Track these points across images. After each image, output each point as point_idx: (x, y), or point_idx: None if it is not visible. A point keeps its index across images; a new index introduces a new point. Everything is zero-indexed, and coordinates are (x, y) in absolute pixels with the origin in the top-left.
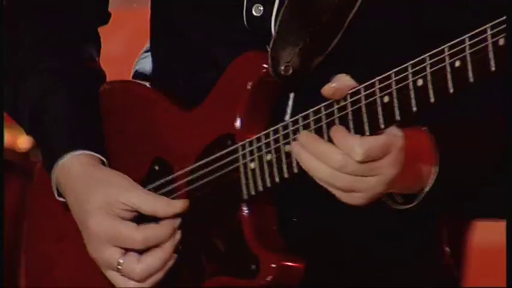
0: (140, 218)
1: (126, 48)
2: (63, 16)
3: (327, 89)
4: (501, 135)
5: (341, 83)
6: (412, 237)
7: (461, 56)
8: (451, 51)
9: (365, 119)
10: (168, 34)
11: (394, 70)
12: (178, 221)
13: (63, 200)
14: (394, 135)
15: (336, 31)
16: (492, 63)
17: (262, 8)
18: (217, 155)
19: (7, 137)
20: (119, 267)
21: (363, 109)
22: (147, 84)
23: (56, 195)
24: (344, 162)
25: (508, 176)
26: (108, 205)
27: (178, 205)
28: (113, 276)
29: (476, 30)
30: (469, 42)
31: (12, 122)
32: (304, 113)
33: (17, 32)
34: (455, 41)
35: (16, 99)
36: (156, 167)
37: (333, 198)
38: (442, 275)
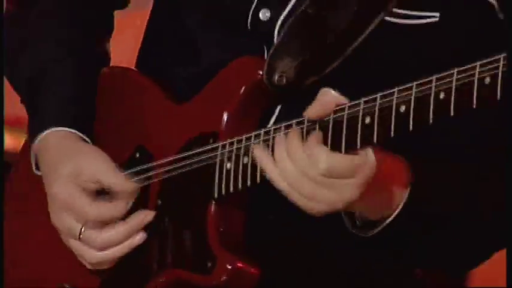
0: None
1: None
2: (81, 10)
3: (310, 112)
4: (479, 185)
5: (325, 102)
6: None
7: (446, 87)
8: (438, 82)
9: (343, 137)
10: (167, 34)
11: (379, 94)
12: (131, 202)
13: (39, 173)
14: (365, 160)
15: (338, 55)
16: (474, 100)
17: (269, 14)
18: (197, 150)
19: (9, 140)
20: (80, 235)
21: (344, 126)
22: (140, 72)
23: (34, 168)
24: (309, 163)
25: (508, 178)
26: (75, 175)
27: (133, 185)
28: (73, 244)
29: (466, 66)
30: (457, 77)
31: (15, 125)
32: (287, 123)
33: (28, 3)
34: (444, 73)
35: (17, 64)
36: (137, 155)
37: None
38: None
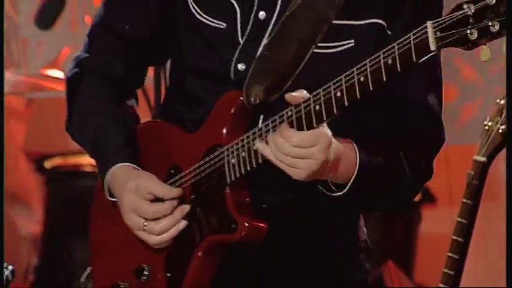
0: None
1: None
2: (117, 79)
3: (288, 96)
4: (398, 155)
5: (298, 94)
6: (344, 220)
7: (364, 73)
8: (357, 71)
9: (303, 120)
10: (178, 86)
11: (321, 88)
12: (176, 202)
13: (113, 199)
14: (322, 132)
15: (288, 78)
16: (384, 76)
17: (244, 67)
18: (211, 157)
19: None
20: (144, 228)
21: (302, 113)
22: (164, 121)
23: (107, 195)
24: (284, 143)
25: (508, 179)
26: (136, 189)
27: (174, 191)
28: (141, 234)
29: (373, 56)
30: (370, 64)
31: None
32: (264, 124)
33: (82, 84)
34: (360, 64)
35: (82, 132)
36: (172, 171)
37: (288, 192)
38: (359, 257)
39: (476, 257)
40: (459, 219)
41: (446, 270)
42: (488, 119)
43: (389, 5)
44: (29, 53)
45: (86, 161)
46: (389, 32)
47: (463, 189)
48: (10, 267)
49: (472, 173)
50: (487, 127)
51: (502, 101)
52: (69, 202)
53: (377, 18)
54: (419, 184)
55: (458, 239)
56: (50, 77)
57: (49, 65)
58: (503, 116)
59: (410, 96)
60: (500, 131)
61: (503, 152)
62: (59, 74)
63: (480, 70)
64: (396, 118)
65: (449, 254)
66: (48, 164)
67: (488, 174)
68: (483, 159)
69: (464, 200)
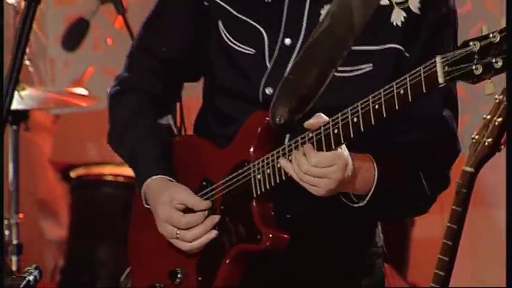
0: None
1: None
2: (154, 96)
3: (307, 125)
4: (416, 169)
5: (316, 120)
6: (358, 231)
7: (378, 101)
8: (373, 99)
9: (323, 142)
10: (210, 104)
11: (340, 113)
12: (205, 213)
13: (149, 206)
14: (339, 154)
15: (310, 100)
16: (396, 105)
17: (272, 91)
18: (238, 172)
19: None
20: (177, 235)
21: (322, 136)
22: (197, 136)
23: (144, 203)
24: (304, 163)
25: (508, 180)
26: (170, 200)
27: (204, 204)
28: (174, 241)
29: (387, 86)
30: (384, 93)
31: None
32: (287, 144)
33: (122, 100)
34: (375, 93)
35: (121, 144)
36: (204, 183)
37: (308, 207)
38: (376, 262)
39: (464, 258)
40: (449, 225)
41: (437, 271)
42: (475, 133)
43: (407, 30)
44: (56, 72)
45: (107, 170)
46: (407, 55)
47: (453, 197)
48: (36, 268)
49: (461, 182)
50: (474, 140)
51: (488, 116)
52: (92, 208)
53: (395, 43)
54: (438, 193)
55: (448, 242)
56: (75, 94)
57: (74, 83)
58: (489, 129)
59: (428, 113)
60: (486, 143)
61: (489, 162)
62: (83, 91)
63: (468, 89)
64: (415, 133)
65: (440, 256)
66: (73, 174)
67: (476, 182)
68: (471, 169)
69: (454, 207)
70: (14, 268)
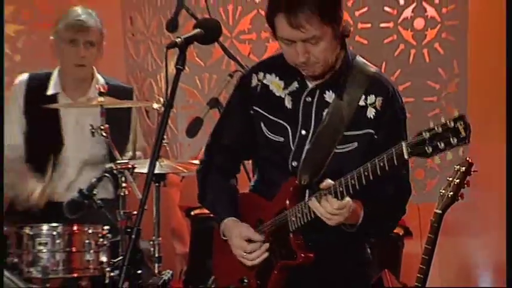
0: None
1: None
2: (225, 170)
3: (321, 185)
4: (386, 210)
5: (326, 182)
6: (354, 246)
7: (368, 170)
8: (363, 169)
9: (338, 194)
10: (260, 171)
11: (343, 177)
12: (262, 241)
13: (225, 238)
14: (345, 202)
15: (322, 169)
16: (379, 171)
17: (296, 163)
18: (280, 215)
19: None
20: (244, 256)
21: (332, 191)
22: (253, 193)
23: (222, 235)
24: (327, 206)
25: (508, 187)
26: (240, 234)
27: (260, 236)
28: (242, 260)
29: (375, 159)
30: (370, 165)
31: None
32: (308, 196)
33: (208, 172)
34: (365, 165)
35: (205, 199)
36: (258, 222)
37: (323, 234)
38: (365, 264)
39: (434, 268)
40: (426, 246)
41: (419, 275)
42: (442, 189)
43: (376, 121)
44: (183, 150)
45: None
46: (376, 136)
47: (428, 229)
48: (170, 272)
49: (433, 219)
50: (441, 193)
51: (450, 179)
52: (204, 234)
53: (370, 129)
54: (399, 219)
55: (425, 256)
56: (194, 164)
57: (193, 157)
58: (450, 187)
59: (393, 173)
60: (449, 196)
61: (452, 206)
62: (198, 162)
63: (438, 161)
64: (386, 185)
65: (421, 266)
66: (192, 213)
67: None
68: (439, 211)
69: (429, 235)
70: (156, 271)
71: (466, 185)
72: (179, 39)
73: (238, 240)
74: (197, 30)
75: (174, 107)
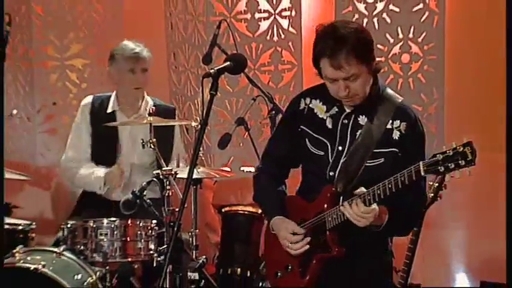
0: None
1: None
2: (276, 176)
3: (356, 192)
4: (406, 214)
5: (360, 189)
6: (378, 243)
7: (392, 183)
8: (388, 181)
9: (367, 201)
10: (304, 179)
11: (371, 188)
12: (303, 235)
13: (274, 232)
14: (373, 207)
15: (354, 179)
16: (400, 185)
17: (333, 173)
18: (319, 216)
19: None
20: (289, 245)
21: (362, 198)
22: (298, 196)
23: (271, 230)
24: (357, 211)
25: (508, 179)
26: (286, 228)
27: (303, 230)
28: (288, 250)
29: (397, 174)
30: (393, 179)
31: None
32: (342, 201)
33: (262, 177)
34: (391, 178)
35: (259, 199)
36: (301, 220)
37: (350, 234)
38: (388, 258)
39: (418, 256)
40: (411, 237)
41: (405, 260)
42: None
43: (400, 142)
44: (215, 160)
45: (240, 208)
46: (399, 154)
47: None
48: (205, 257)
49: None
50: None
51: (431, 183)
52: (232, 227)
53: (394, 148)
54: (416, 222)
55: (411, 246)
56: (224, 170)
57: (224, 165)
58: (430, 190)
59: (412, 187)
60: (430, 196)
61: (434, 204)
62: (228, 169)
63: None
64: (407, 196)
65: (407, 253)
66: (223, 210)
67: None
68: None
69: (414, 228)
70: (193, 257)
71: (444, 188)
72: (213, 70)
73: (285, 233)
74: (227, 63)
75: (208, 125)
